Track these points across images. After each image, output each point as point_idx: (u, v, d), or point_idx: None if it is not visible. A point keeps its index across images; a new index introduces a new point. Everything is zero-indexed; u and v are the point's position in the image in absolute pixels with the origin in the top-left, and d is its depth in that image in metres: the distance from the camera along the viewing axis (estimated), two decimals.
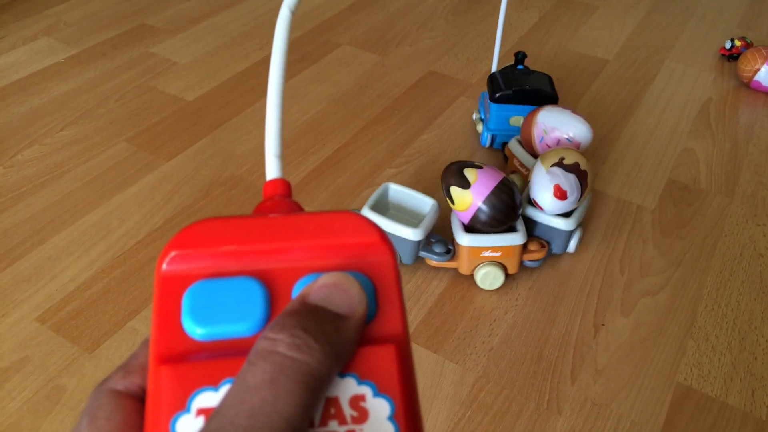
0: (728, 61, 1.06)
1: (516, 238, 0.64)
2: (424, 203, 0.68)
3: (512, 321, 0.64)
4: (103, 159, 0.81)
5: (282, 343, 0.14)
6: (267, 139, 0.20)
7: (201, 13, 1.14)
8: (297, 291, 0.16)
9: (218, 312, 0.15)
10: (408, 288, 0.67)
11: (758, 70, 0.96)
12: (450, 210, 0.71)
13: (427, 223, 0.65)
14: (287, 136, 0.87)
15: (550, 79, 0.82)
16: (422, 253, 0.66)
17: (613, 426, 0.56)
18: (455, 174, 0.63)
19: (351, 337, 0.15)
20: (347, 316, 0.15)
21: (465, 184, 0.62)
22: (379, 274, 0.17)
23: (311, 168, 0.82)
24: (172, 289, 0.16)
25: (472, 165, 0.63)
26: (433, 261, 0.66)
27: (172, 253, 0.16)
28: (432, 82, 0.99)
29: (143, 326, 0.62)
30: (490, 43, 1.10)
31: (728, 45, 1.05)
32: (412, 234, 0.64)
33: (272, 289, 0.16)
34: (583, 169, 0.65)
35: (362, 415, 0.15)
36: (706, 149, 0.88)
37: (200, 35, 1.08)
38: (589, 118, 0.92)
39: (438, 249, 0.66)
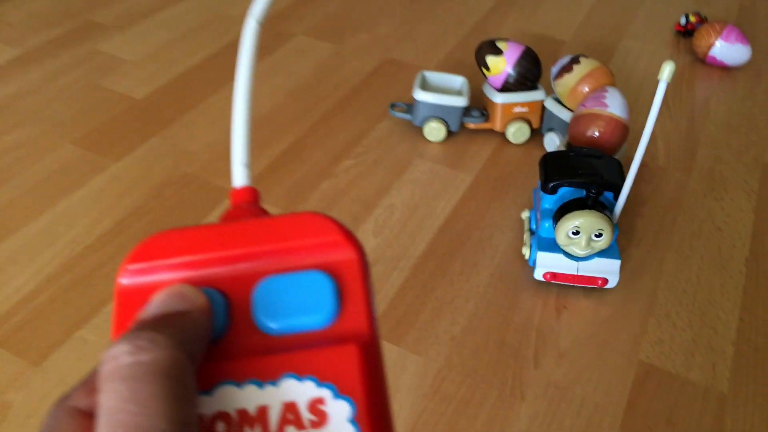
0: (683, 37, 1.07)
1: (539, 95, 0.80)
2: (456, 81, 0.84)
3: (474, 308, 0.63)
4: (48, 163, 0.78)
5: (123, 354, 0.13)
6: (234, 148, 0.20)
7: (150, 8, 1.11)
8: (256, 295, 0.16)
9: None
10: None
11: (713, 44, 0.96)
12: (477, 88, 0.87)
13: (466, 92, 0.81)
14: None
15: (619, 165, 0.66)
16: (464, 119, 0.82)
17: (576, 409, 0.55)
18: (489, 46, 0.78)
19: (198, 323, 0.15)
20: (188, 310, 0.15)
21: (498, 52, 0.78)
22: (343, 272, 0.17)
23: (267, 162, 0.80)
24: (130, 302, 0.16)
25: (501, 39, 0.79)
26: (472, 124, 0.83)
27: (130, 267, 0.16)
28: (390, 69, 0.98)
29: (93, 335, 0.60)
30: (447, 27, 1.08)
31: (683, 21, 1.05)
32: (460, 101, 0.80)
33: (231, 296, 0.16)
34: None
35: (321, 419, 0.15)
36: (664, 126, 0.88)
37: (149, 30, 1.04)
38: None
39: (475, 114, 0.83)
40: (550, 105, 0.81)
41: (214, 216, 0.72)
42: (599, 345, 0.60)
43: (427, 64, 0.98)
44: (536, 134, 0.84)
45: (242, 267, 0.16)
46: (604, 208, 0.59)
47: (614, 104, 0.70)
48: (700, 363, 0.59)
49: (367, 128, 0.86)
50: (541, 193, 0.63)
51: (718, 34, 0.96)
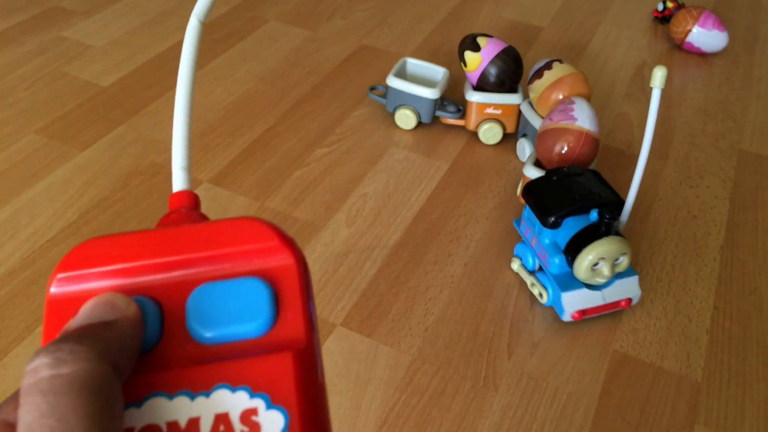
0: (661, 23, 1.06)
1: (515, 98, 0.76)
2: (437, 72, 0.81)
3: (448, 298, 0.62)
4: (10, 153, 0.76)
5: (43, 366, 0.13)
6: (174, 151, 0.20)
7: None
8: (190, 303, 0.16)
9: None
10: (340, 271, 0.64)
11: (690, 31, 0.96)
12: (462, 80, 0.86)
13: (441, 86, 0.78)
14: (212, 118, 0.82)
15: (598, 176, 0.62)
16: (438, 113, 0.80)
17: (549, 399, 0.55)
18: (469, 41, 0.76)
19: (125, 333, 0.15)
20: (115, 319, 0.15)
21: (476, 48, 0.75)
22: (280, 278, 0.16)
23: (238, 151, 0.78)
24: (61, 312, 0.16)
25: (484, 35, 0.76)
26: (447, 119, 0.80)
27: (59, 276, 0.16)
28: (365, 56, 0.96)
29: None
30: (424, 13, 1.07)
31: (660, 7, 1.05)
32: (430, 93, 0.77)
33: (165, 304, 0.16)
34: None
35: (254, 430, 0.14)
36: (641, 113, 0.87)
37: (117, 15, 1.01)
38: (524, 86, 0.91)
39: (451, 108, 0.80)
40: (525, 110, 0.76)
41: None
42: (573, 334, 0.60)
43: (403, 51, 0.97)
44: (511, 138, 0.80)
45: (177, 274, 0.16)
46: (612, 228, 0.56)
47: (583, 117, 0.64)
48: (674, 352, 0.59)
49: (342, 116, 0.84)
50: (537, 227, 0.59)
51: (695, 20, 0.95)
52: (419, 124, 0.82)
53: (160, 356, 0.16)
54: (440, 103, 0.80)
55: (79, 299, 0.16)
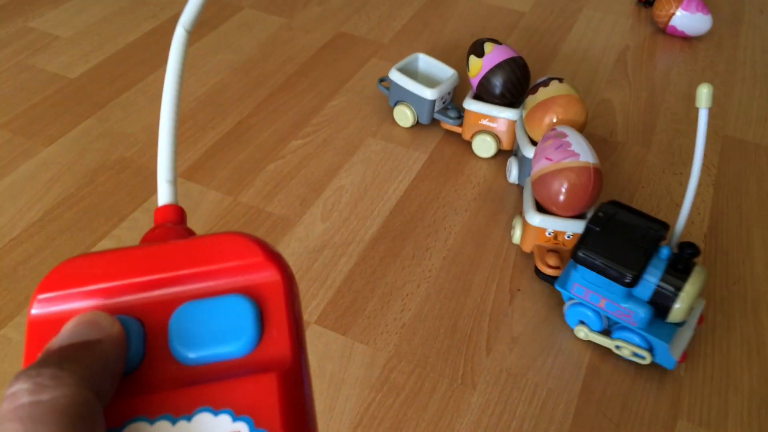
0: (644, 6, 1.04)
1: (510, 113, 0.71)
2: (446, 72, 0.77)
3: (425, 294, 0.61)
4: None
5: (23, 392, 0.13)
6: (159, 164, 0.19)
7: None
8: (173, 322, 0.16)
9: None
10: (314, 267, 0.62)
11: (673, 14, 0.94)
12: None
13: (443, 87, 0.74)
14: (183, 110, 0.80)
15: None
16: (437, 116, 0.76)
17: (529, 396, 0.53)
18: (476, 45, 0.71)
19: (108, 355, 0.14)
20: (98, 339, 0.14)
21: (480, 53, 0.70)
22: (265, 294, 0.16)
23: (210, 144, 0.75)
24: (41, 333, 0.15)
25: (493, 40, 0.71)
26: (446, 123, 0.76)
27: (40, 296, 0.16)
28: (342, 44, 0.93)
29: (17, 334, 0.56)
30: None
31: None
32: (429, 93, 0.73)
33: (148, 324, 0.16)
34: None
35: None
36: (623, 99, 0.86)
37: (86, 5, 0.98)
38: None
39: (452, 114, 0.75)
40: (518, 128, 0.70)
41: (150, 203, 0.68)
42: (554, 328, 0.58)
43: (381, 38, 0.94)
44: (507, 154, 0.75)
45: (160, 293, 0.16)
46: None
47: (583, 149, 0.58)
48: None
49: (318, 106, 0.82)
50: (607, 287, 0.52)
51: (679, 3, 0.93)
52: (417, 124, 0.78)
53: (142, 378, 0.15)
54: (443, 106, 0.76)
55: (60, 320, 0.15)
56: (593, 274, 0.52)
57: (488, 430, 0.51)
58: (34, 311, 0.16)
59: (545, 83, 0.66)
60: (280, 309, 0.16)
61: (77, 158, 0.72)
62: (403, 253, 0.64)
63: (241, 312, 0.15)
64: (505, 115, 0.71)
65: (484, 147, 0.74)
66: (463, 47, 0.93)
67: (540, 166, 0.60)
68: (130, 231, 0.65)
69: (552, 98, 0.64)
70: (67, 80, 0.83)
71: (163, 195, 0.19)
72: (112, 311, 0.16)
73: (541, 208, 0.61)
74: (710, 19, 0.94)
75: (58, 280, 0.16)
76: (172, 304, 0.16)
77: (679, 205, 0.71)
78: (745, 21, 1.03)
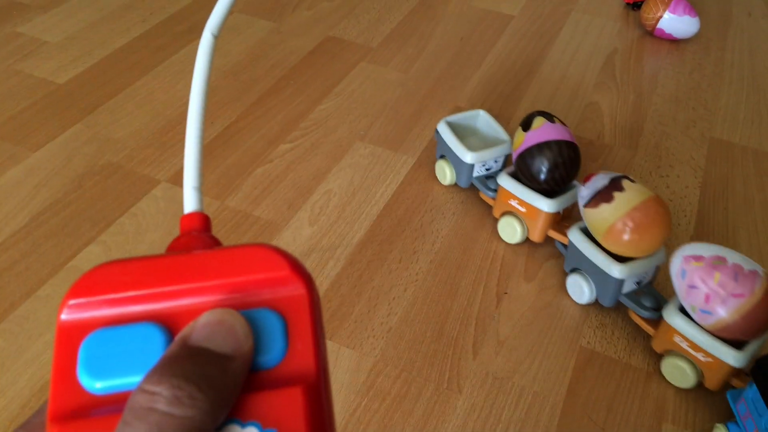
0: (632, 9, 1.04)
1: (543, 203, 0.61)
2: (500, 137, 0.69)
3: (412, 297, 0.61)
4: None
5: (161, 398, 0.13)
6: (186, 170, 0.19)
7: None
8: None
9: (117, 362, 0.15)
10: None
11: (660, 17, 0.94)
12: None
13: (486, 153, 0.66)
14: (172, 114, 0.80)
15: None
16: (476, 182, 0.68)
17: (515, 400, 0.53)
18: (527, 117, 0.63)
19: (237, 379, 0.15)
20: (232, 356, 0.15)
21: (527, 127, 0.61)
22: (290, 308, 0.16)
23: None
24: (70, 340, 0.15)
25: (548, 115, 0.62)
26: (483, 194, 0.68)
27: (71, 302, 0.16)
28: (331, 48, 0.93)
29: (2, 341, 0.55)
30: (392, 2, 1.04)
31: None
32: (467, 157, 0.66)
33: (174, 333, 0.16)
34: None
35: None
36: (611, 102, 0.86)
37: (74, 10, 0.98)
38: (493, 77, 0.89)
39: (491, 184, 0.67)
40: (576, 237, 0.58)
41: (137, 208, 0.68)
42: (540, 331, 0.58)
43: (370, 42, 0.95)
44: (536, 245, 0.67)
45: (189, 302, 0.16)
46: None
47: (747, 261, 0.50)
48: (642, 347, 0.57)
49: (306, 110, 0.82)
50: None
51: (666, 5, 0.94)
52: (455, 185, 0.71)
53: None
54: (486, 173, 0.68)
55: (89, 326, 0.16)
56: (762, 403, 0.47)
57: None
58: (63, 317, 0.16)
59: (618, 186, 0.54)
60: (304, 322, 0.16)
61: (65, 163, 0.72)
62: (390, 257, 0.64)
63: (269, 325, 0.16)
64: (537, 204, 0.61)
65: (507, 231, 0.65)
66: (453, 51, 0.93)
67: (735, 305, 0.48)
68: (117, 236, 0.64)
69: (638, 206, 0.53)
70: (56, 85, 0.83)
71: (190, 202, 0.19)
72: (141, 319, 0.16)
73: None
74: (698, 22, 0.94)
75: (88, 286, 0.16)
76: (199, 314, 0.16)
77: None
78: (733, 23, 1.04)
